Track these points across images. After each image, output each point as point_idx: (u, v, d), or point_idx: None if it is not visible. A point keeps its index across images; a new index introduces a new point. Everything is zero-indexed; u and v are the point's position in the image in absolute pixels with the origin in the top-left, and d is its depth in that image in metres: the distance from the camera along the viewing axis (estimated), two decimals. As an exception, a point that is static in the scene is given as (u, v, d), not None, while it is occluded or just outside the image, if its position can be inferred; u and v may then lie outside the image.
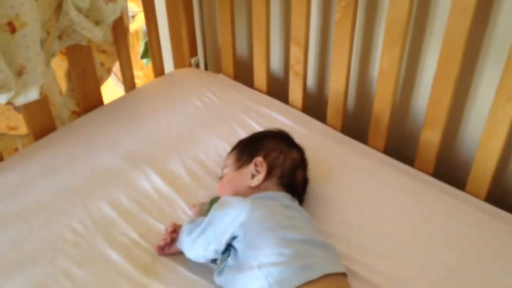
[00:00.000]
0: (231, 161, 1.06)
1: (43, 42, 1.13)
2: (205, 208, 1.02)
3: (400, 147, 1.33)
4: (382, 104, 1.22)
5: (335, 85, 1.30)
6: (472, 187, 1.13)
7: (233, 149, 1.10)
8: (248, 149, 1.05)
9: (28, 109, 1.24)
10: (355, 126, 1.38)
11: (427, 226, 1.03)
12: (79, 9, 1.17)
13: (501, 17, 1.03)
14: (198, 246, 0.90)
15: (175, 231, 0.98)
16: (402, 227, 1.03)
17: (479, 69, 1.12)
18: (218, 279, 0.88)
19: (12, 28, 1.04)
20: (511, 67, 0.97)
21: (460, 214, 1.06)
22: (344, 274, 0.85)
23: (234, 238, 0.87)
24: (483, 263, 0.95)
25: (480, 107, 1.16)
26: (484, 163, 1.10)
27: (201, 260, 0.94)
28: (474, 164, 1.12)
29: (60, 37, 1.21)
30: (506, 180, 1.19)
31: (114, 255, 0.97)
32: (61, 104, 1.37)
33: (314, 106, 1.45)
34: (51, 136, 1.29)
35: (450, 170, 1.25)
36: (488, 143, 1.07)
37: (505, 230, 1.02)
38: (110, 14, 1.23)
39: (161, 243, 0.97)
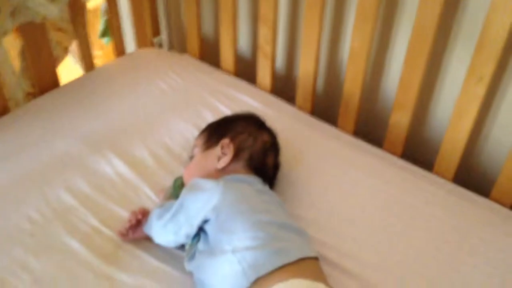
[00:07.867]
0: (200, 141, 1.03)
1: (-7, 18, 1.05)
2: (170, 191, 0.99)
3: (369, 129, 1.33)
4: (352, 85, 1.21)
5: (305, 66, 1.27)
6: (440, 168, 1.14)
7: (204, 130, 1.07)
8: (217, 130, 1.03)
9: (-22, 90, 1.17)
10: (325, 109, 1.37)
11: (395, 208, 1.03)
12: (32, -17, 1.10)
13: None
14: (169, 231, 0.87)
15: (142, 214, 0.95)
16: (370, 210, 1.03)
17: (449, 51, 1.12)
18: (189, 265, 0.86)
19: (-43, 1, 0.96)
20: (481, 48, 0.97)
21: (428, 196, 1.06)
22: (316, 259, 0.83)
23: (205, 221, 0.84)
24: (451, 245, 0.96)
25: (449, 89, 1.16)
26: (453, 144, 1.10)
27: (171, 245, 0.91)
28: (442, 145, 1.12)
29: (12, 14, 1.14)
30: (474, 160, 1.20)
31: (74, 244, 0.93)
32: (15, 85, 1.29)
33: (283, 88, 1.42)
34: (4, 119, 1.22)
35: (418, 152, 1.26)
36: (458, 123, 1.07)
37: (473, 212, 1.03)
38: (66, -12, 1.17)
39: (126, 225, 0.93)
